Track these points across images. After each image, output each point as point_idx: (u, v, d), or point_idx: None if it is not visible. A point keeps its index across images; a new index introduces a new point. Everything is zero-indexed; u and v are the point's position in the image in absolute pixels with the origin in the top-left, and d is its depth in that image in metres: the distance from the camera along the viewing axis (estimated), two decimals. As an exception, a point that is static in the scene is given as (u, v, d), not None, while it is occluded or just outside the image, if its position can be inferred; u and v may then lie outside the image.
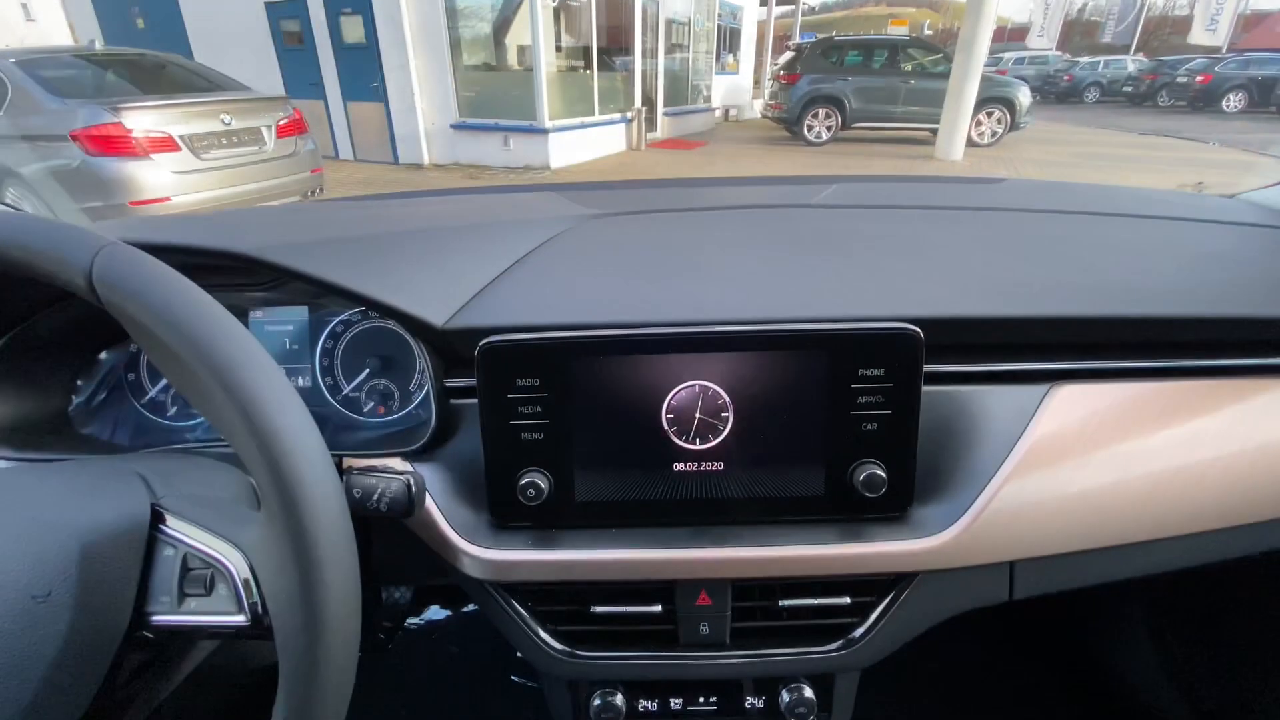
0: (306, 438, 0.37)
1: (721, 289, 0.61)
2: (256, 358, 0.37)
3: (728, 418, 0.56)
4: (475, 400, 0.57)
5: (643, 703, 0.64)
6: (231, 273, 0.60)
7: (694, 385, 0.55)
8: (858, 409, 0.55)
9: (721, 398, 0.56)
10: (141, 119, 4.08)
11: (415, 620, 1.47)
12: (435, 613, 1.49)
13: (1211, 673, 1.11)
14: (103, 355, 0.70)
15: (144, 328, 0.36)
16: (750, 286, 0.62)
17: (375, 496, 0.49)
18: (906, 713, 1.26)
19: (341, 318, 0.70)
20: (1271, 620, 1.01)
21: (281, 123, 4.92)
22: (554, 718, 0.66)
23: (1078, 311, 0.59)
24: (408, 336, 0.66)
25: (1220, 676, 1.09)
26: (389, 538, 0.64)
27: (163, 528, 0.42)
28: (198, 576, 0.41)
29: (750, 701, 0.64)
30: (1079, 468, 0.58)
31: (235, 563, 0.41)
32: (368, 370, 0.70)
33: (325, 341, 0.70)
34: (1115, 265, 0.67)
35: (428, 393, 0.67)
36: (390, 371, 0.70)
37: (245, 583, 0.41)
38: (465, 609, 1.49)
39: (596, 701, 0.62)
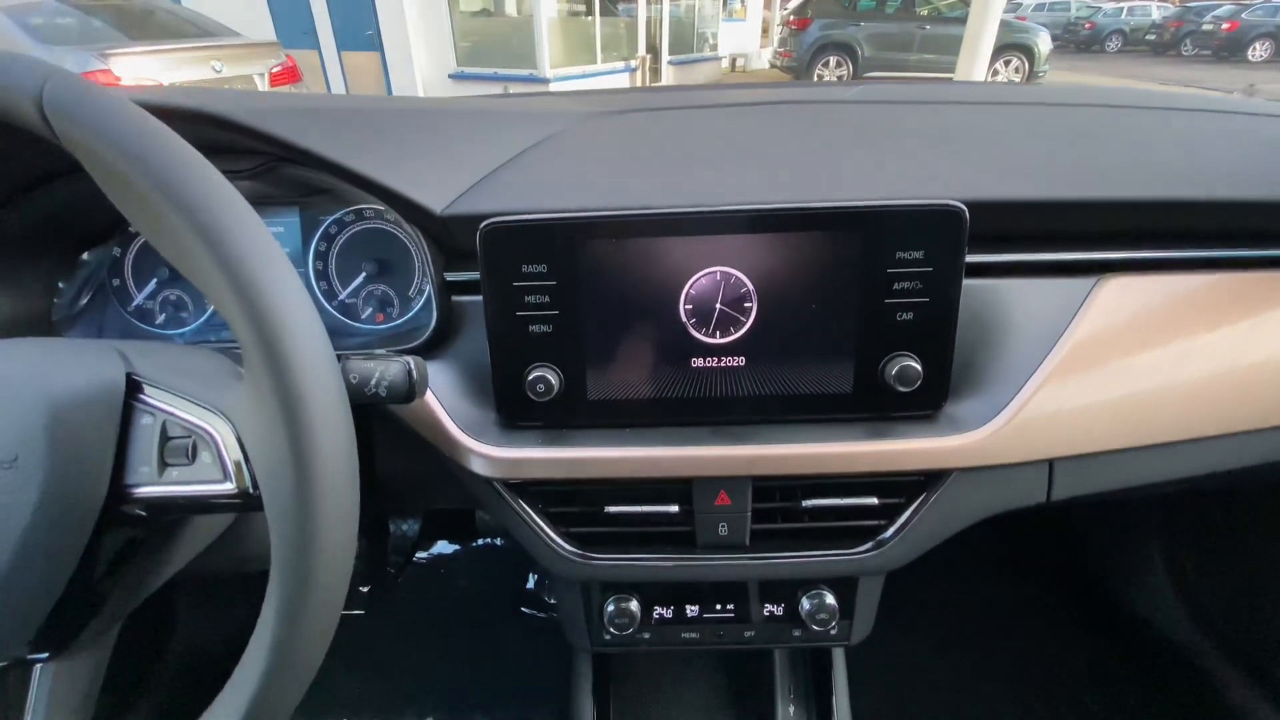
0: (290, 287, 0.33)
1: (744, 173, 0.57)
2: (231, 199, 0.33)
3: (751, 308, 0.52)
4: (479, 297, 0.53)
5: (657, 610, 0.62)
6: (210, 152, 0.56)
7: (715, 272, 0.51)
8: (893, 296, 0.51)
9: (745, 285, 0.51)
10: (131, 65, 3.95)
11: (424, 555, 1.47)
12: (443, 548, 1.48)
13: (1225, 598, 1.09)
14: (85, 256, 0.66)
15: (103, 161, 0.32)
16: (776, 171, 0.57)
17: (373, 381, 0.46)
18: (909, 640, 1.26)
19: (334, 218, 0.66)
20: None
21: (274, 70, 4.77)
22: (566, 625, 0.64)
23: (1130, 194, 0.54)
24: (406, 229, 0.62)
25: (1235, 602, 1.08)
26: (394, 447, 0.61)
27: (140, 396, 0.39)
28: (179, 445, 0.38)
29: (768, 609, 0.62)
30: (1126, 364, 0.54)
31: (218, 429, 0.38)
32: (364, 274, 0.66)
33: (318, 244, 0.66)
34: (1170, 150, 0.61)
35: (428, 296, 0.63)
36: (388, 276, 0.66)
37: (230, 449, 0.38)
38: (474, 544, 1.49)
39: (610, 607, 0.60)
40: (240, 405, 0.37)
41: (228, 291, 0.32)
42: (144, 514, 0.40)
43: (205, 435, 0.38)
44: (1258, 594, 1.05)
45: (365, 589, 1.38)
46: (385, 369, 0.46)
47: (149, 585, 0.47)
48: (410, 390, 0.47)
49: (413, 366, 0.47)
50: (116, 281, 0.67)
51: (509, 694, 1.21)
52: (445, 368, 0.57)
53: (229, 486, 0.38)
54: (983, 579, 1.39)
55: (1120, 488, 0.57)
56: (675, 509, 0.55)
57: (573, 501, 0.56)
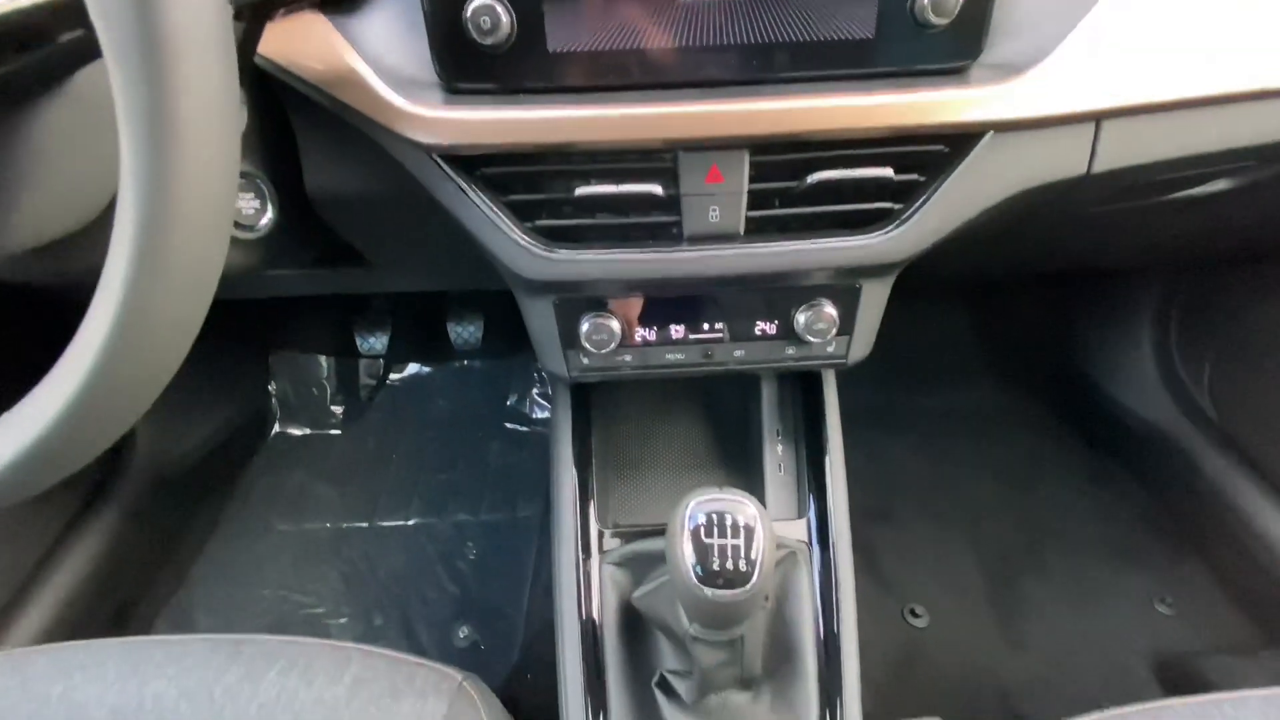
0: None
1: None
2: None
3: None
4: None
5: (640, 332, 0.56)
6: None
7: None
8: None
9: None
10: None
11: (397, 378, 1.42)
12: (418, 370, 1.43)
13: (1212, 384, 1.09)
14: None
15: None
16: None
17: None
18: (893, 440, 1.26)
19: None
20: None
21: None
22: (541, 353, 0.58)
23: None
24: None
25: (1220, 387, 1.07)
26: (323, 152, 0.51)
27: None
28: None
29: (760, 327, 0.56)
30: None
31: None
32: None
33: None
34: None
35: None
36: None
37: None
38: (450, 365, 1.43)
39: (585, 325, 0.54)
40: None
41: None
42: None
43: None
44: (1244, 377, 1.04)
45: (339, 409, 1.34)
46: None
47: None
48: None
49: None
50: None
51: (493, 498, 1.20)
52: (370, 19, 0.46)
53: None
54: (969, 386, 1.38)
55: (1168, 159, 0.49)
56: (658, 189, 0.47)
57: (536, 186, 0.48)
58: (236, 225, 0.50)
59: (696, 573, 0.36)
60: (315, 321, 1.31)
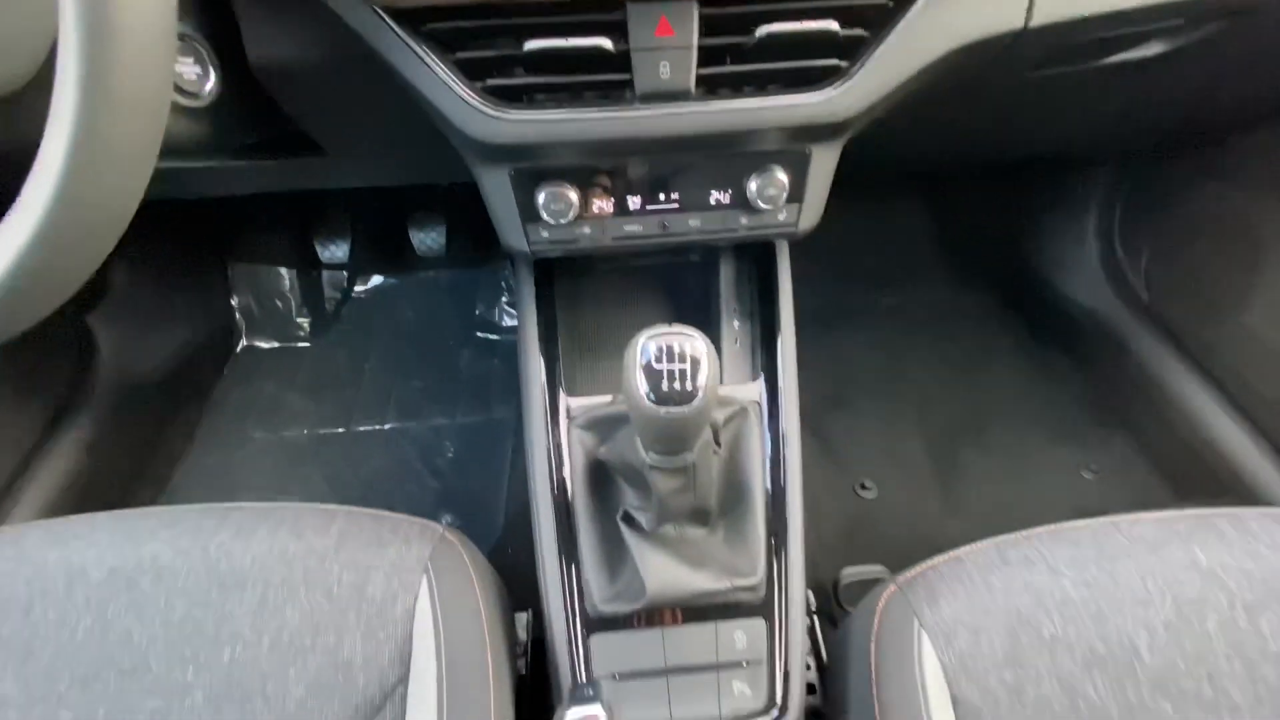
0: None
1: None
2: None
3: None
4: None
5: (596, 204, 0.57)
6: None
7: None
8: None
9: None
10: None
11: (362, 289, 1.41)
12: (383, 282, 1.42)
13: (1150, 271, 1.15)
14: None
15: None
16: None
17: None
18: (845, 334, 1.31)
19: None
20: (1231, 203, 1.00)
21: None
22: (500, 228, 0.59)
23: None
24: None
25: (1156, 275, 1.14)
26: (258, 7, 0.49)
27: None
28: None
29: (715, 196, 0.58)
30: None
31: None
32: None
33: None
34: None
35: None
36: None
37: None
38: (415, 275, 1.43)
39: (542, 195, 0.55)
40: None
41: None
42: None
43: None
44: (1176, 260, 1.10)
45: (305, 321, 1.33)
46: None
47: None
48: None
49: None
50: None
51: (469, 402, 1.24)
52: None
53: None
54: (923, 284, 1.43)
55: (1100, 14, 0.51)
56: (608, 43, 0.47)
57: (484, 42, 0.47)
58: (181, 92, 0.49)
59: (650, 397, 0.40)
60: (273, 231, 1.29)
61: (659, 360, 0.40)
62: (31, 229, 0.29)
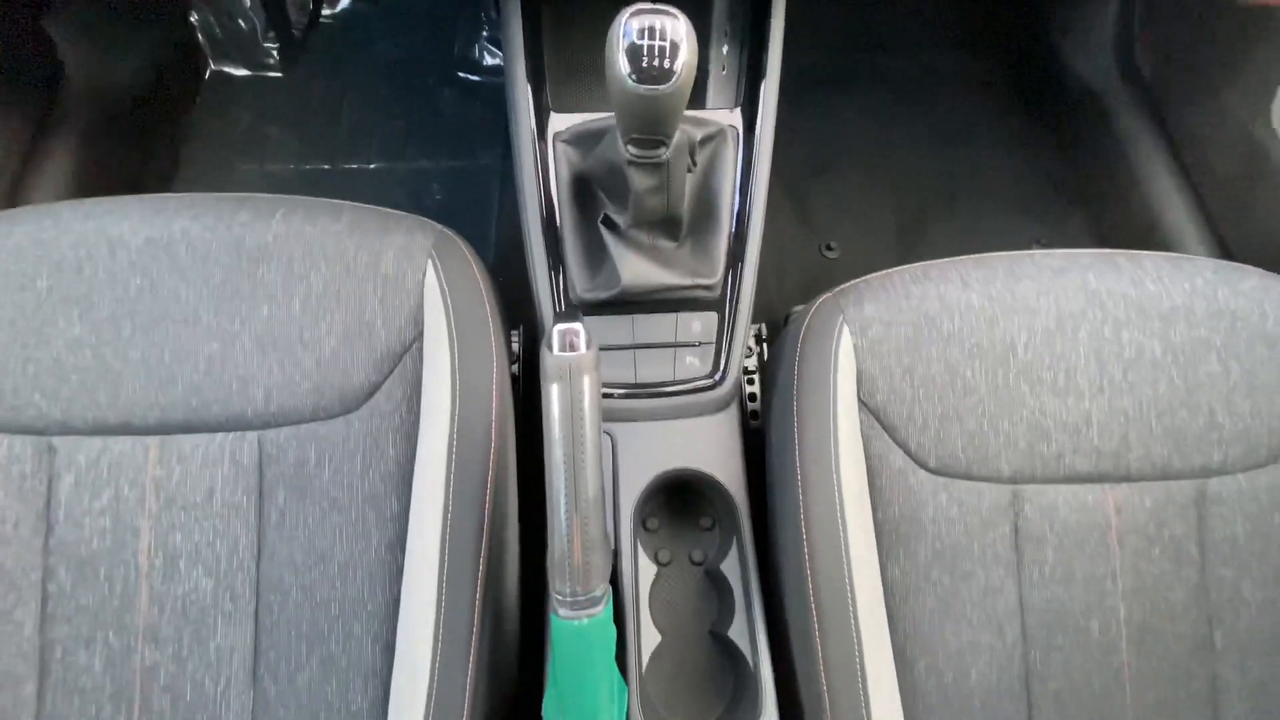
0: None
1: None
2: None
3: None
4: None
5: None
6: None
7: None
8: None
9: None
10: None
11: (330, 13, 1.30)
12: (352, 6, 1.31)
13: (1168, 29, 1.09)
14: None
15: None
16: None
17: None
18: (842, 100, 1.28)
19: None
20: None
21: None
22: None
23: None
24: None
25: (1171, 35, 1.08)
26: None
27: None
28: None
29: None
30: None
31: None
32: None
33: None
34: None
35: None
36: None
37: None
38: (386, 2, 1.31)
39: None
40: None
41: None
42: None
43: None
44: (1184, 36, 1.05)
45: (273, 46, 1.25)
46: None
47: None
48: None
49: None
50: None
51: (452, 145, 1.23)
52: None
53: None
54: (930, 48, 1.35)
55: None
56: None
57: None
58: None
59: (631, 76, 0.42)
60: None
61: (640, 37, 0.41)
62: None
